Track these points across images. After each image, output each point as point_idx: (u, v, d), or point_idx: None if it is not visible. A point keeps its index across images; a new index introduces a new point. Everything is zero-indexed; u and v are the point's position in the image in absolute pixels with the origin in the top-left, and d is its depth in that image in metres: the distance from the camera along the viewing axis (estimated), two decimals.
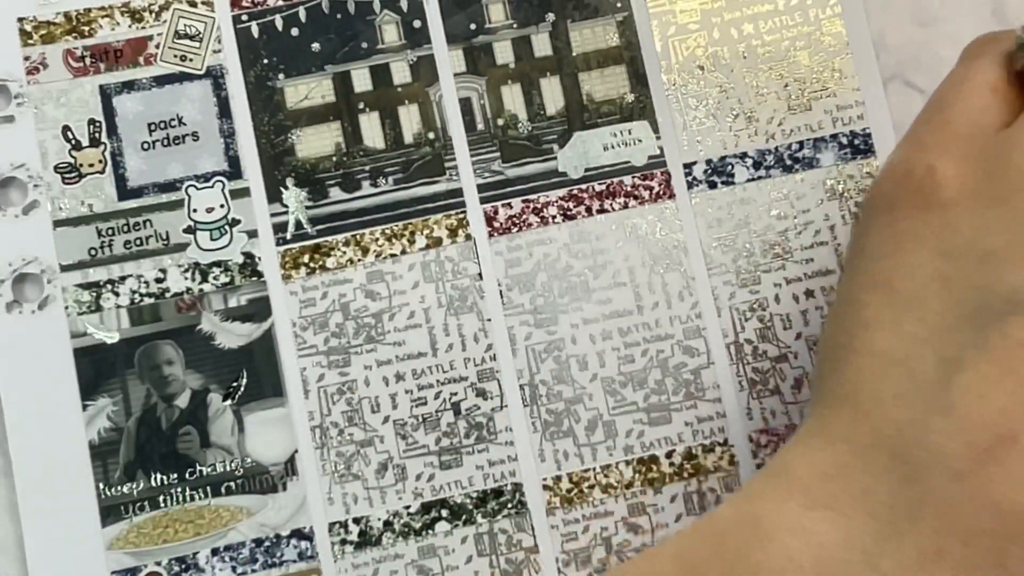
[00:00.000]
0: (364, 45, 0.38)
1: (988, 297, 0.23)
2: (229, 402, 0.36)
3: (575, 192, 0.37)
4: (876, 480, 0.22)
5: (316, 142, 0.37)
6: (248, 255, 0.37)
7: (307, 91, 0.38)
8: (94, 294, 0.36)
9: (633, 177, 0.37)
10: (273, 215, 0.37)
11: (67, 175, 0.37)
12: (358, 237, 0.37)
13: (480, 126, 0.38)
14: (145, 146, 0.37)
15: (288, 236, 0.37)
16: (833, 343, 0.26)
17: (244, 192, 0.37)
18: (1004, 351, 0.22)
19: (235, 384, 0.36)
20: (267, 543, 0.36)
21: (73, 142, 0.37)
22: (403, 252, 0.37)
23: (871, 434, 0.23)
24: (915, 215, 0.25)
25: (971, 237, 0.24)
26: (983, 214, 0.24)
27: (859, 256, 0.26)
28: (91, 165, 0.37)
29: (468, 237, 0.37)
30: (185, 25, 0.38)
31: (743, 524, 0.23)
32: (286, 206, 0.37)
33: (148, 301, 0.36)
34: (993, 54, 0.27)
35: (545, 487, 0.36)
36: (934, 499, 0.21)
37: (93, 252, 0.36)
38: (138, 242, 0.37)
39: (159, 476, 0.36)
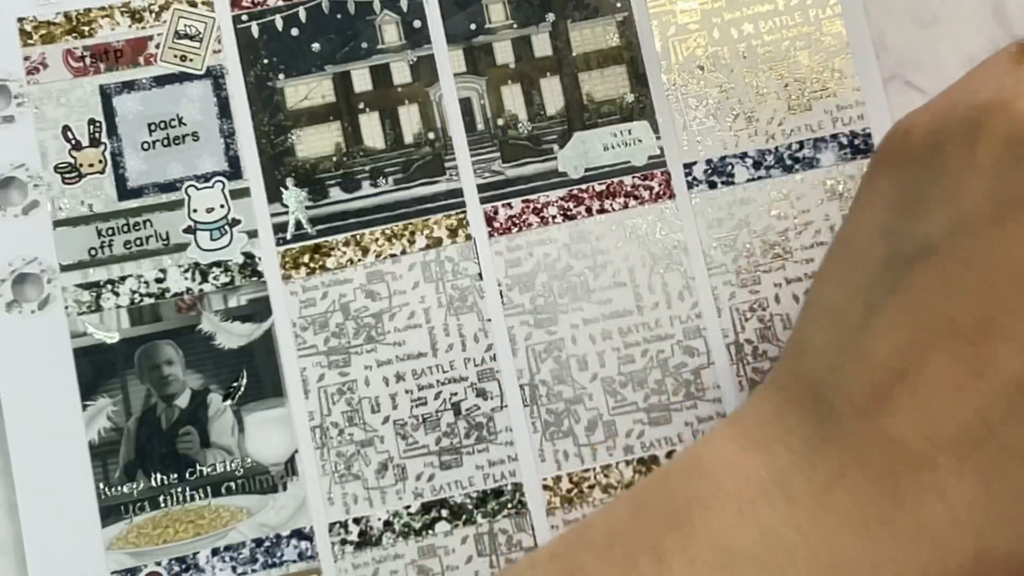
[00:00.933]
0: (364, 45, 0.38)
1: (909, 244, 0.24)
2: (229, 402, 0.36)
3: (575, 192, 0.37)
4: (799, 421, 0.24)
5: (316, 142, 0.37)
6: (248, 255, 0.37)
7: (307, 91, 0.38)
8: (94, 294, 0.36)
9: (633, 177, 0.37)
10: (273, 215, 0.37)
11: (67, 175, 0.37)
12: (358, 237, 0.37)
13: (480, 126, 0.38)
14: (145, 146, 0.37)
15: (288, 236, 0.37)
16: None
17: (244, 192, 0.37)
18: (909, 295, 0.23)
19: (235, 384, 0.36)
20: (267, 543, 0.36)
21: (73, 142, 0.37)
22: (403, 252, 0.37)
23: (803, 380, 0.25)
24: (888, 172, 0.26)
25: (917, 192, 0.25)
26: (933, 168, 0.25)
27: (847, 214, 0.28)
28: (91, 165, 0.37)
29: (468, 237, 0.37)
30: (185, 25, 0.38)
31: (688, 464, 0.25)
32: (286, 206, 0.37)
33: (148, 301, 0.36)
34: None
35: (545, 487, 0.36)
36: (841, 433, 0.23)
37: (93, 252, 0.36)
38: (138, 242, 0.37)
39: (159, 476, 0.36)
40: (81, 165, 0.37)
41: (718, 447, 0.25)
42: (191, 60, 0.37)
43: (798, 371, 0.25)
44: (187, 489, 0.36)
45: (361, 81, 0.38)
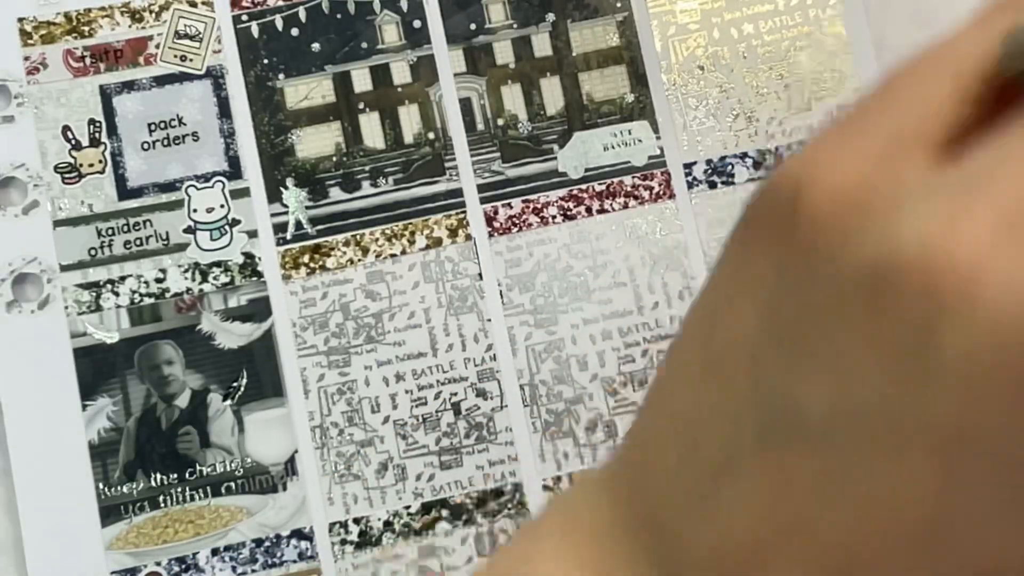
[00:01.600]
0: (364, 45, 0.38)
1: (784, 402, 0.19)
2: (229, 402, 0.36)
3: (575, 192, 0.37)
4: (641, 555, 0.21)
5: (316, 142, 0.37)
6: (248, 255, 0.37)
7: (307, 91, 0.38)
8: (94, 294, 0.36)
9: (633, 177, 0.37)
10: (273, 215, 0.37)
11: (67, 175, 0.37)
12: (358, 237, 0.37)
13: (480, 126, 0.38)
14: (145, 146, 0.37)
15: (288, 236, 0.37)
16: (654, 376, 0.23)
17: (244, 192, 0.37)
18: (773, 475, 0.19)
19: (235, 384, 0.36)
20: (267, 543, 0.36)
21: (73, 142, 0.37)
22: (403, 252, 0.37)
23: (648, 505, 0.22)
24: (765, 247, 0.20)
25: (801, 301, 0.19)
26: (824, 270, 0.18)
27: (710, 273, 0.21)
28: (91, 165, 0.37)
29: (468, 237, 0.37)
30: (185, 25, 0.38)
31: None
32: (286, 206, 0.37)
33: (148, 301, 0.36)
34: (971, 52, 0.19)
35: (545, 487, 0.36)
36: None
37: (93, 252, 0.36)
38: (138, 242, 0.37)
39: (159, 476, 0.36)
40: (81, 165, 0.37)
41: (550, 567, 0.22)
42: (191, 60, 0.37)
43: (643, 489, 0.22)
44: (187, 489, 0.36)
45: (361, 81, 0.38)
